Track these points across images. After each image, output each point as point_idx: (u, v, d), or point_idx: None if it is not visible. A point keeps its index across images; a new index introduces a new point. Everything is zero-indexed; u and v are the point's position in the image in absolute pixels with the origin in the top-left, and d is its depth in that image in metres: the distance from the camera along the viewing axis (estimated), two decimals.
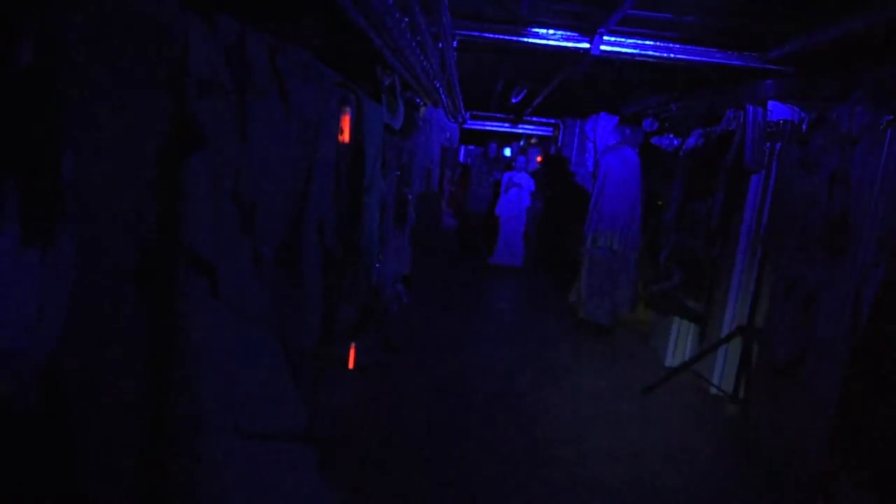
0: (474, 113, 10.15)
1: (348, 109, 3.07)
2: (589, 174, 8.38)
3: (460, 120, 9.23)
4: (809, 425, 3.50)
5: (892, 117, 3.10)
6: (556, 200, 9.12)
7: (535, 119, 10.31)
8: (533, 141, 11.92)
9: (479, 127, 10.99)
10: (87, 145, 1.35)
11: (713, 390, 4.60)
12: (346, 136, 3.11)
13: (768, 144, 4.13)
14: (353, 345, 3.82)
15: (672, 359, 5.27)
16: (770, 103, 4.05)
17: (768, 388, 3.91)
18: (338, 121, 2.95)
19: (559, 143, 10.14)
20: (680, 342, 5.24)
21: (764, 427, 3.91)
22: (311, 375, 2.81)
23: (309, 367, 2.76)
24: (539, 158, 11.23)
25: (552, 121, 10.35)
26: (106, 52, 1.34)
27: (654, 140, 6.36)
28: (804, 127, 3.78)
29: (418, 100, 5.95)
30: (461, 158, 13.23)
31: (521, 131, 11.19)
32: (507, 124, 10.80)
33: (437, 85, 6.00)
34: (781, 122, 3.94)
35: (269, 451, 1.52)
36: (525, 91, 7.64)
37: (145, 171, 1.38)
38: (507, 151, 11.66)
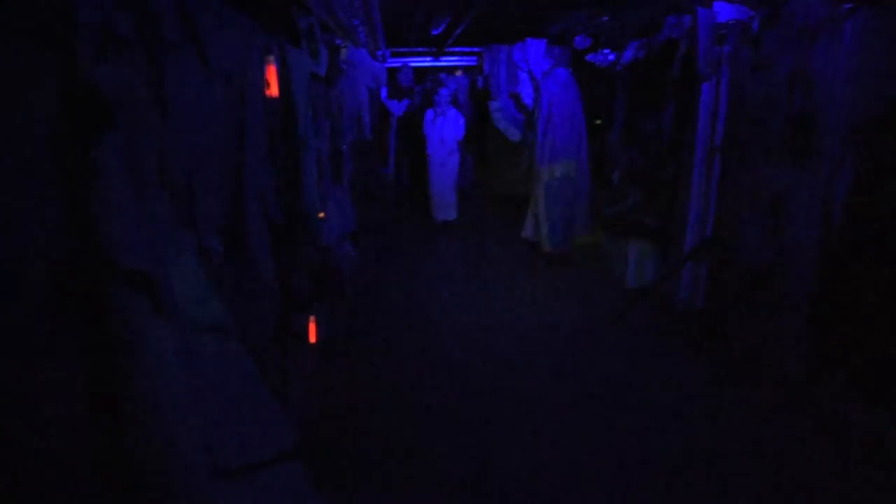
0: (394, 50, 9.61)
1: (273, 59, 2.68)
2: (514, 117, 8.04)
3: (380, 57, 8.67)
4: (786, 331, 3.48)
5: (851, 5, 2.95)
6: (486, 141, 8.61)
7: (457, 49, 9.84)
8: (458, 73, 11.39)
9: (400, 64, 10.42)
10: None
11: (680, 306, 4.56)
12: (273, 90, 2.72)
13: (716, 48, 3.94)
14: (312, 317, 3.53)
15: (634, 280, 5.21)
16: (716, 4, 3.84)
17: (740, 298, 3.87)
18: (262, 72, 2.56)
19: (485, 72, 9.75)
20: (640, 263, 5.17)
21: (739, 336, 3.90)
22: (277, 362, 2.53)
23: (273, 354, 2.47)
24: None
25: (476, 49, 9.92)
26: None
27: (588, 57, 6.11)
28: (755, 26, 3.61)
29: (339, 41, 5.48)
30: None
31: (443, 64, 10.71)
32: (428, 58, 10.30)
33: (356, 23, 5.54)
34: (731, 22, 3.75)
35: (259, 482, 1.26)
36: (447, 21, 7.20)
37: (39, 164, 1.04)
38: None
